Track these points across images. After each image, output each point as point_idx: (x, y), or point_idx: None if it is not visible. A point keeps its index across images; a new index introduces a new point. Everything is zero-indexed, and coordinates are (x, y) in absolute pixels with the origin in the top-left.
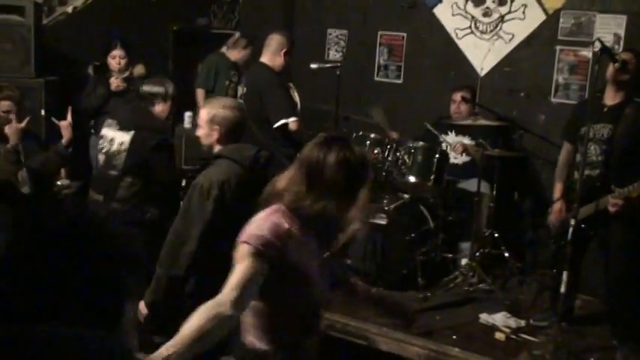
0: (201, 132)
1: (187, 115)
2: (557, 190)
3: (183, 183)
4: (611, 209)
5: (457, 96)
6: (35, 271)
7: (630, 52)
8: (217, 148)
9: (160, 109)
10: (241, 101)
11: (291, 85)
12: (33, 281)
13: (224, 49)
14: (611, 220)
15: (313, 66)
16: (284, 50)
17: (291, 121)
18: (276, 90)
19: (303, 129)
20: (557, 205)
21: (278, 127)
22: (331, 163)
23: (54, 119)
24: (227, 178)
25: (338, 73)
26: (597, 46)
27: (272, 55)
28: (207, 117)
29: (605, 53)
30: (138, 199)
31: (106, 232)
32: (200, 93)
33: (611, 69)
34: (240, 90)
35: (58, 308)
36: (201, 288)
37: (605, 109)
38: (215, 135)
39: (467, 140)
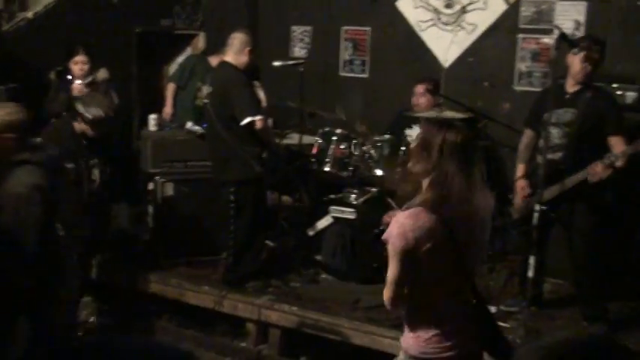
0: None
1: (152, 117)
2: (520, 169)
3: (150, 186)
4: (593, 178)
5: (419, 88)
6: None
7: (594, 43)
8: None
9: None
10: (206, 101)
11: (257, 83)
12: None
13: (188, 52)
14: (574, 202)
15: (276, 64)
16: (248, 48)
17: (257, 120)
18: (242, 88)
19: (268, 128)
20: (520, 183)
21: (244, 126)
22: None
23: None
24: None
25: (301, 69)
26: (556, 33)
27: (236, 55)
28: None
29: (564, 40)
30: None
31: None
32: (170, 87)
33: (576, 63)
34: (206, 90)
35: None
36: None
37: (567, 96)
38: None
39: None
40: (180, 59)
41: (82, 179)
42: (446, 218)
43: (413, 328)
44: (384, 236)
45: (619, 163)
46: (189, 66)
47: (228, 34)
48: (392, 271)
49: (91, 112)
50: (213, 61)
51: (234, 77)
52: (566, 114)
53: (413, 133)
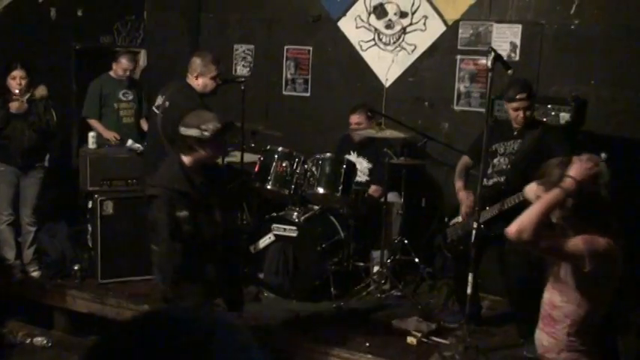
0: None
1: (91, 135)
2: (459, 184)
3: (90, 205)
4: (528, 194)
5: (353, 119)
6: None
7: (523, 93)
8: None
9: None
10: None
11: (207, 104)
12: None
13: (112, 72)
14: (510, 221)
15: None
16: (211, 74)
17: None
18: (191, 106)
19: None
20: (462, 194)
21: None
22: None
23: None
24: None
25: (243, 87)
26: (492, 54)
27: (193, 78)
28: None
29: (499, 61)
30: None
31: None
32: (92, 123)
33: (514, 116)
34: (160, 99)
35: None
36: None
37: (515, 133)
38: None
39: (365, 163)
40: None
41: None
42: None
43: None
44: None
45: None
46: (96, 94)
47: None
48: None
49: None
50: (116, 72)
51: (189, 96)
52: (514, 144)
53: (352, 159)
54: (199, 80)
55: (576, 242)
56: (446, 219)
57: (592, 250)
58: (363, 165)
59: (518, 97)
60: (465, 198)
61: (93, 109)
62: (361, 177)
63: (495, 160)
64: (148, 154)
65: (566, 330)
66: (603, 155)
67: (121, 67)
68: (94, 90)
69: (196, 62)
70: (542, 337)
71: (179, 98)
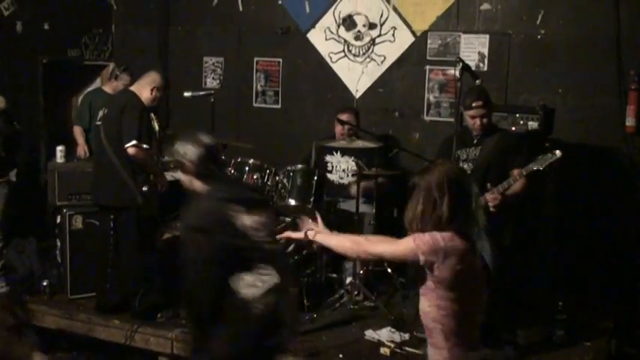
0: None
1: (59, 149)
2: None
3: (58, 220)
4: (491, 204)
5: (344, 116)
6: None
7: (479, 100)
8: None
9: None
10: (99, 123)
11: (152, 115)
12: None
13: (97, 83)
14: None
15: (187, 94)
16: (153, 86)
17: (131, 145)
18: (135, 112)
19: (145, 158)
20: None
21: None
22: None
23: None
24: None
25: (212, 100)
26: (460, 64)
27: (141, 87)
28: None
29: (466, 71)
30: None
31: None
32: (76, 129)
33: (471, 123)
34: (101, 112)
35: None
36: None
37: (475, 141)
38: None
39: (351, 161)
40: (79, 99)
41: None
42: None
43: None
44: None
45: (516, 187)
46: (87, 103)
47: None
48: None
49: None
50: (110, 87)
51: (133, 101)
52: (475, 150)
53: (334, 159)
54: (151, 93)
55: (407, 241)
56: None
57: (420, 246)
58: (349, 164)
59: (474, 104)
60: None
61: (84, 118)
62: (345, 179)
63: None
64: (96, 171)
65: (442, 337)
66: (558, 152)
67: (122, 82)
68: (84, 102)
69: (156, 77)
70: (429, 351)
71: (116, 101)
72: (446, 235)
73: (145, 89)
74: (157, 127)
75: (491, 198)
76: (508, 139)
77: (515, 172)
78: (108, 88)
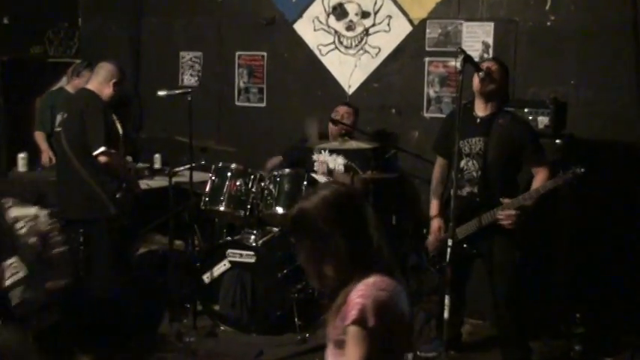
0: None
1: (21, 156)
2: (434, 207)
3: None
4: (505, 222)
5: (342, 109)
6: None
7: (493, 60)
8: None
9: None
10: (59, 129)
11: (114, 116)
12: None
13: (63, 82)
14: (493, 237)
15: (161, 93)
16: (113, 81)
17: (100, 152)
18: (98, 114)
19: (118, 164)
20: (435, 224)
21: (98, 157)
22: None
23: None
24: None
25: (189, 99)
26: (461, 55)
27: (99, 84)
28: None
29: (469, 62)
30: None
31: None
32: (38, 135)
33: (476, 80)
34: (60, 117)
35: None
36: None
37: (478, 121)
38: None
39: (340, 159)
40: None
41: None
42: None
43: None
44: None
45: (528, 203)
46: (48, 105)
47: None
48: None
49: None
50: (74, 86)
51: (92, 102)
52: (479, 143)
53: (321, 157)
54: (112, 88)
55: (352, 334)
56: (425, 230)
57: (368, 321)
58: (337, 162)
59: (492, 62)
60: (435, 229)
61: (45, 122)
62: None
63: (463, 164)
64: (61, 182)
65: None
66: (580, 170)
67: (84, 80)
68: (45, 104)
69: (111, 69)
70: None
71: (74, 103)
72: (377, 283)
73: (104, 86)
74: (120, 129)
75: (505, 216)
76: (517, 124)
77: (510, 203)
78: (70, 88)
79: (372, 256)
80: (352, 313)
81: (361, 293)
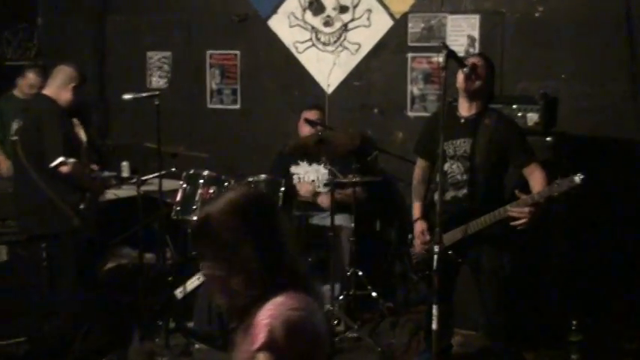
0: None
1: None
2: (416, 209)
3: None
4: (520, 222)
5: (311, 114)
6: None
7: (478, 55)
8: None
9: None
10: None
11: (75, 121)
12: None
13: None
14: (481, 244)
15: (127, 97)
16: (72, 84)
17: (58, 162)
18: (57, 122)
19: (80, 174)
20: (418, 227)
21: (57, 168)
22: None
23: None
24: None
25: (157, 102)
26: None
27: (57, 89)
28: None
29: (452, 58)
30: None
31: None
32: None
33: (460, 77)
34: (16, 124)
35: None
36: None
37: (462, 121)
38: None
39: (322, 169)
40: None
41: None
42: None
43: None
44: None
45: (541, 200)
46: None
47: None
48: None
49: None
50: (24, 91)
51: (50, 109)
52: (464, 144)
53: (300, 170)
54: (70, 92)
55: None
56: (410, 236)
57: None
58: (320, 172)
59: (478, 58)
60: (419, 232)
61: None
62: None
63: (447, 167)
64: (19, 195)
65: None
66: (578, 178)
67: (27, 82)
68: None
69: (69, 72)
70: None
71: (31, 110)
72: (288, 301)
73: (63, 90)
74: (83, 136)
75: (517, 213)
76: (504, 123)
77: (527, 198)
78: (19, 92)
79: (284, 270)
80: (260, 336)
81: (270, 313)
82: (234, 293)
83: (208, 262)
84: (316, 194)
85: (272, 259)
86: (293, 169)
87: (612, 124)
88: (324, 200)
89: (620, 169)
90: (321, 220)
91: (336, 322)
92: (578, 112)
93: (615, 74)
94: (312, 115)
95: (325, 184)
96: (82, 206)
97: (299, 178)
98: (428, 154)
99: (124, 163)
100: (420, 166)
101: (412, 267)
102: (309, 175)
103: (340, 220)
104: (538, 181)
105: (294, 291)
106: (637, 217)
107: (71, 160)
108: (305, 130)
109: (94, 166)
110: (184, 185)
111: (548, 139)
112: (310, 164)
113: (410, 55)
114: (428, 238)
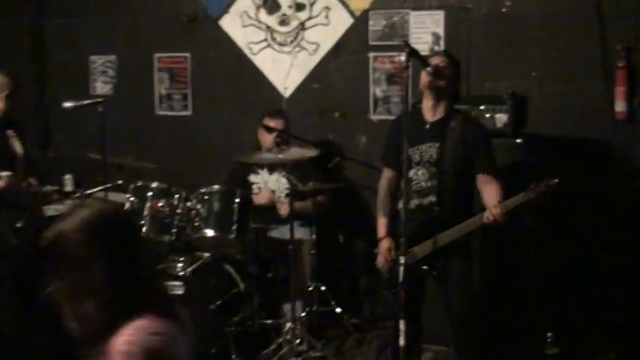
0: None
1: None
2: (381, 226)
3: None
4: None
5: (276, 123)
6: None
7: (443, 54)
8: None
9: None
10: None
11: (11, 132)
12: None
13: None
14: (449, 255)
15: (68, 105)
16: (5, 93)
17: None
18: None
19: (15, 189)
20: (384, 245)
21: None
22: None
23: None
24: None
25: (101, 110)
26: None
27: None
28: None
29: (414, 57)
30: None
31: None
32: None
33: (424, 76)
34: None
35: None
36: None
37: (428, 126)
38: None
39: (282, 178)
40: None
41: None
42: None
43: None
44: None
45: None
46: None
47: (4, 69)
48: None
49: None
50: None
51: None
52: (431, 149)
53: (259, 179)
54: (3, 102)
55: None
56: (375, 250)
57: None
58: (281, 182)
59: (442, 56)
60: (384, 250)
61: None
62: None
63: (412, 173)
64: None
65: None
66: (552, 181)
67: None
68: None
69: (2, 80)
70: None
71: None
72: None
73: None
74: (19, 148)
75: (493, 221)
76: (471, 127)
77: (497, 206)
78: None
79: (142, 293)
80: None
81: (128, 339)
82: (87, 318)
83: (59, 282)
84: (276, 204)
85: (128, 282)
86: (252, 178)
87: (585, 124)
88: (284, 210)
89: (594, 171)
90: (280, 232)
91: (298, 341)
92: (550, 112)
93: (587, 71)
94: (276, 124)
95: (287, 195)
96: (19, 224)
97: (259, 188)
98: (396, 164)
99: (67, 177)
100: (386, 176)
101: (384, 282)
102: (269, 185)
103: (300, 233)
104: (493, 192)
105: (155, 315)
106: (613, 222)
107: (5, 173)
108: (266, 138)
109: (33, 180)
110: (131, 198)
111: (518, 140)
112: (271, 173)
113: (371, 54)
114: (394, 257)
